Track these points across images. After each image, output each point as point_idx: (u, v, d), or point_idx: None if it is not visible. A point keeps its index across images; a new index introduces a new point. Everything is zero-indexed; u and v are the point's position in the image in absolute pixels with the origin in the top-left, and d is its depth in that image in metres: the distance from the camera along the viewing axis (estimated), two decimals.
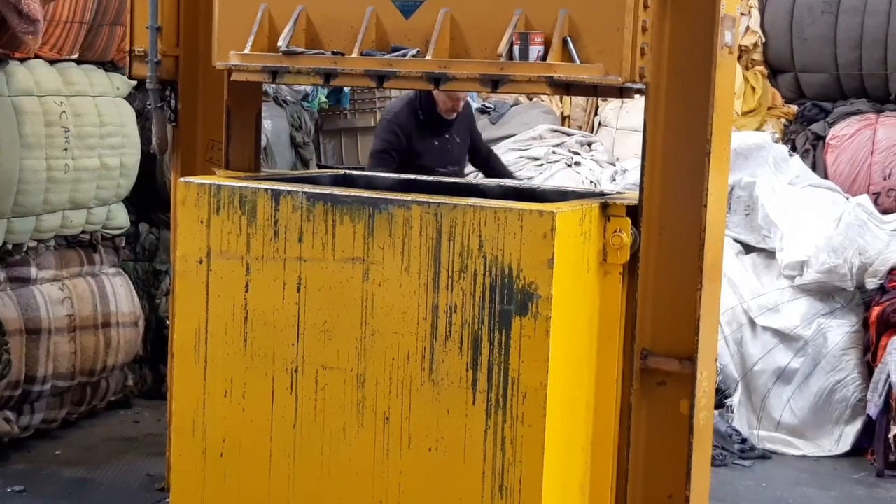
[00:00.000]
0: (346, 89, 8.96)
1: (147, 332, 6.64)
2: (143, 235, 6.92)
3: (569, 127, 8.99)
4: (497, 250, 3.32)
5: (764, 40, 8.33)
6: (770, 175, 7.09)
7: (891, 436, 5.93)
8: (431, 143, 5.88)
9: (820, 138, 7.83)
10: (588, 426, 3.60)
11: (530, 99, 9.10)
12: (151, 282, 6.89)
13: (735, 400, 6.35)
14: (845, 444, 6.28)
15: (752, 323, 6.51)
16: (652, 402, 3.62)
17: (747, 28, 8.27)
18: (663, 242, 3.56)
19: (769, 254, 6.78)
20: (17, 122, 5.50)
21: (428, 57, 3.51)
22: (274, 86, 7.84)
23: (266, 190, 3.64)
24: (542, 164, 8.09)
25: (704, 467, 3.76)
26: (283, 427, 3.65)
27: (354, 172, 4.74)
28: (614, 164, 8.07)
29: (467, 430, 3.38)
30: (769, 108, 8.39)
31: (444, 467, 3.41)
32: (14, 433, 5.69)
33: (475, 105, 8.49)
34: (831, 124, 7.86)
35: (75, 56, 5.99)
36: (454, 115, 5.91)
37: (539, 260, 3.26)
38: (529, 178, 7.77)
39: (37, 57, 5.73)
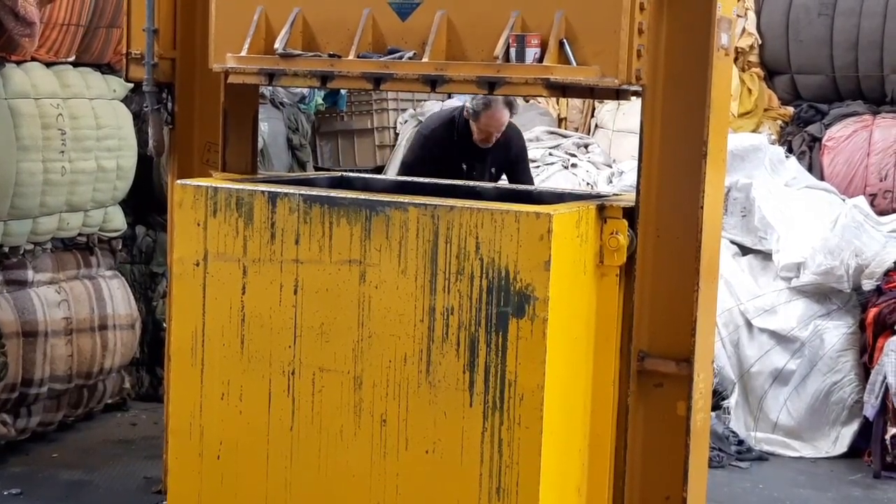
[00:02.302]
0: (343, 91, 8.95)
1: (144, 334, 6.64)
2: (139, 238, 6.92)
3: (565, 129, 9.00)
4: (494, 252, 3.32)
5: (760, 42, 8.33)
6: (766, 177, 7.09)
7: (887, 437, 5.93)
8: (460, 166, 5.81)
9: (816, 140, 7.83)
10: (585, 428, 3.60)
11: (527, 101, 9.09)
12: (148, 284, 6.89)
13: (732, 401, 6.36)
14: (842, 446, 6.29)
15: (749, 324, 6.51)
16: (649, 403, 3.62)
17: (743, 30, 8.27)
18: (660, 244, 3.56)
19: (766, 255, 6.78)
20: (14, 125, 5.50)
21: (424, 59, 3.51)
22: (270, 88, 7.84)
23: (263, 192, 3.64)
24: (538, 166, 8.10)
25: (701, 469, 3.76)
26: (280, 429, 3.64)
27: (351, 175, 4.74)
28: (611, 166, 8.07)
29: (464, 432, 3.38)
30: (765, 110, 8.38)
31: (441, 469, 3.41)
32: (11, 436, 5.69)
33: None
34: (828, 126, 7.86)
35: (72, 58, 5.99)
36: (488, 145, 5.81)
37: (536, 262, 3.26)
38: None
39: (33, 59, 5.73)
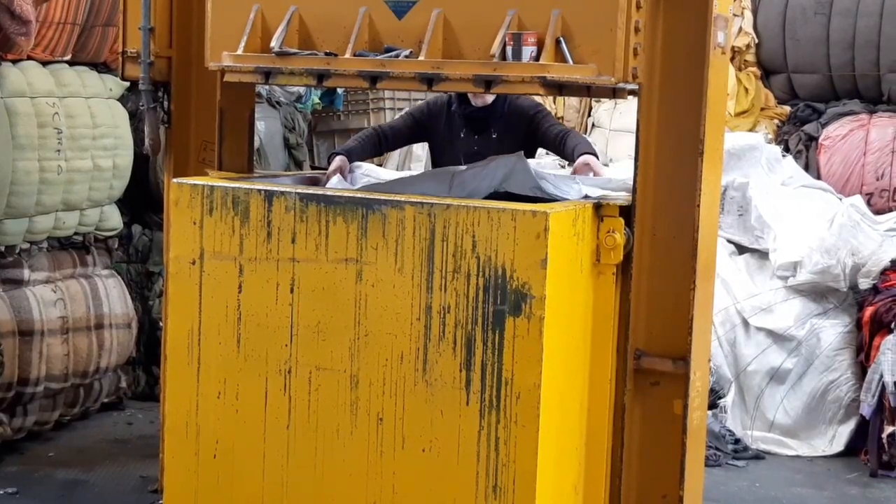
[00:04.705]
0: (340, 91, 8.95)
1: (140, 333, 6.64)
2: (136, 237, 6.91)
3: None
4: (490, 251, 3.32)
5: (757, 41, 8.33)
6: (763, 176, 7.09)
7: (884, 436, 5.94)
8: (458, 135, 5.64)
9: (813, 139, 7.84)
10: (582, 426, 3.60)
11: None
12: (144, 283, 6.88)
13: (728, 400, 6.36)
14: (839, 445, 6.29)
15: (746, 323, 6.52)
16: (645, 402, 3.62)
17: (740, 29, 8.27)
18: (657, 243, 3.56)
19: (762, 254, 6.79)
20: (10, 124, 5.49)
21: (421, 57, 3.51)
22: (267, 87, 7.84)
23: (259, 191, 3.64)
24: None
25: (698, 467, 3.76)
26: (276, 428, 3.64)
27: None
28: (608, 165, 8.07)
29: (461, 430, 3.37)
30: (762, 109, 8.38)
31: (437, 468, 3.41)
32: (7, 435, 5.68)
33: None
34: (824, 125, 7.86)
35: (68, 57, 5.99)
36: (481, 102, 5.60)
37: (532, 260, 3.26)
38: None
39: (29, 58, 5.72)
